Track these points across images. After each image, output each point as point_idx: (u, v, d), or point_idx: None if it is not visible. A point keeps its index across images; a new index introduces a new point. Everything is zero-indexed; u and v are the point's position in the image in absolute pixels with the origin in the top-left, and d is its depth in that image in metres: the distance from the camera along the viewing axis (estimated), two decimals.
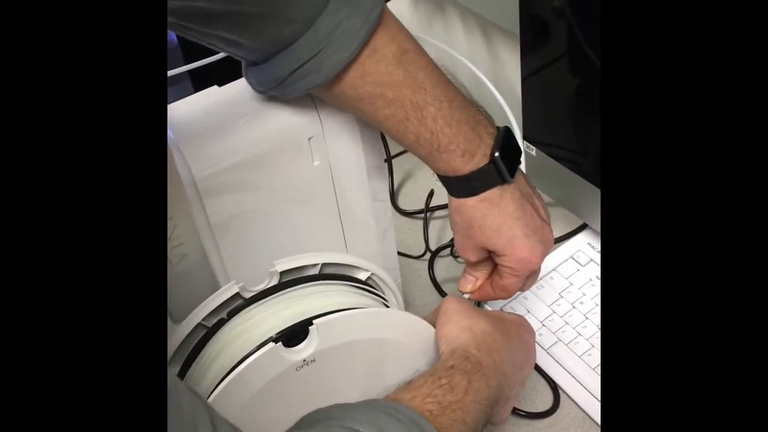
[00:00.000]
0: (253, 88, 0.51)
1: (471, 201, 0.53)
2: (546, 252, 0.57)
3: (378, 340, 0.49)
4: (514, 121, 0.82)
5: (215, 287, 0.51)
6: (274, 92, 0.50)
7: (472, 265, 0.59)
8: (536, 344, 0.59)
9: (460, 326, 0.52)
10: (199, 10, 0.45)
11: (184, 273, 0.50)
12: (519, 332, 0.56)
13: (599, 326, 0.67)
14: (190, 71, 0.60)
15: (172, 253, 0.49)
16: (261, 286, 0.51)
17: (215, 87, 0.50)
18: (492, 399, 0.49)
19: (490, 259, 0.58)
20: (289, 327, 0.47)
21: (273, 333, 0.47)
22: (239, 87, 0.50)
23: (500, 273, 0.57)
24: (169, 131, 0.46)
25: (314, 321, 0.47)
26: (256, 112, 0.49)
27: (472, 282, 0.59)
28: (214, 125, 0.48)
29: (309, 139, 0.51)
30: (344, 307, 0.49)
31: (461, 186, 0.53)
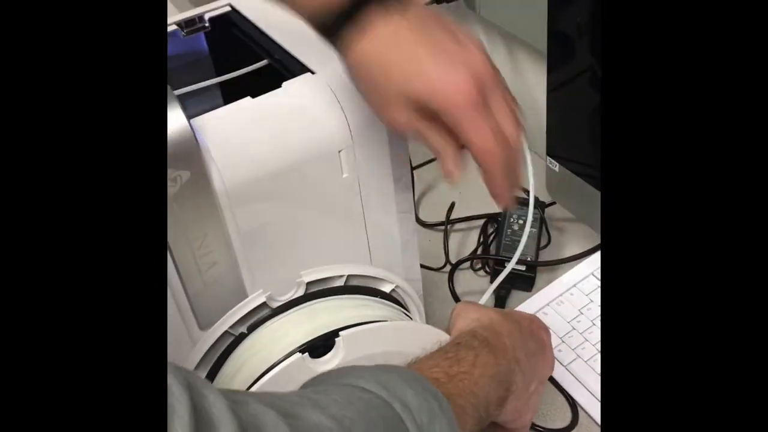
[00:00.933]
0: None
1: (361, 46, 0.44)
2: (476, 77, 0.43)
3: (403, 354, 0.49)
4: (536, 137, 0.82)
5: (242, 296, 0.52)
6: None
7: (422, 131, 0.46)
8: (555, 360, 0.59)
9: (469, 318, 0.51)
10: None
11: (213, 281, 0.51)
12: (531, 327, 0.55)
13: None
14: (220, 83, 0.61)
15: (201, 261, 0.50)
16: (287, 296, 0.52)
17: (248, 99, 0.51)
18: (503, 377, 0.48)
19: (433, 118, 0.45)
20: (315, 338, 0.48)
21: (299, 344, 0.48)
22: (272, 99, 0.51)
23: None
24: (203, 140, 0.46)
25: (340, 333, 0.47)
26: (288, 125, 0.50)
27: (451, 157, 0.46)
28: (246, 136, 0.49)
29: (339, 152, 0.51)
30: (369, 320, 0.50)
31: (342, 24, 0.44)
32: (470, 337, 0.48)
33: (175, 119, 0.45)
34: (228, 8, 0.62)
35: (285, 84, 0.52)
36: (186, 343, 0.52)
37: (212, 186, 0.47)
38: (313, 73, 0.52)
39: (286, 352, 0.47)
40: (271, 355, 0.47)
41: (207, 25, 0.61)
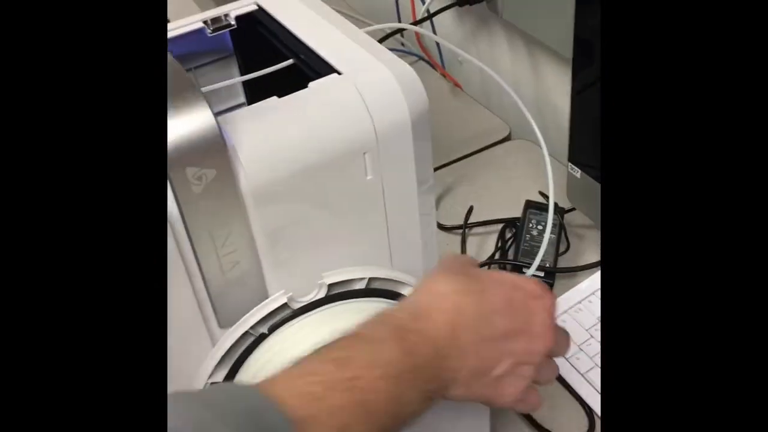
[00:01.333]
0: None
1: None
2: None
3: None
4: (556, 142, 0.82)
5: (264, 296, 0.52)
6: None
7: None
8: (573, 367, 0.58)
9: (419, 289, 0.46)
10: None
11: (235, 280, 0.51)
12: (512, 295, 0.46)
13: None
14: (244, 81, 0.61)
15: (224, 260, 0.50)
16: (308, 297, 0.52)
17: (275, 98, 0.50)
18: (426, 373, 0.41)
19: None
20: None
21: (320, 346, 0.48)
22: (298, 99, 0.51)
23: None
24: (229, 138, 0.46)
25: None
26: (314, 125, 0.50)
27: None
28: (272, 135, 0.49)
29: (364, 153, 0.51)
30: None
31: None
32: (378, 324, 0.42)
33: (202, 117, 0.45)
34: (254, 6, 0.61)
35: (311, 84, 0.51)
36: (205, 341, 0.52)
37: (237, 185, 0.47)
38: (339, 73, 0.52)
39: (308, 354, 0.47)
40: (292, 357, 0.47)
41: (233, 23, 0.61)
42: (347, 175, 0.52)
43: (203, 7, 0.95)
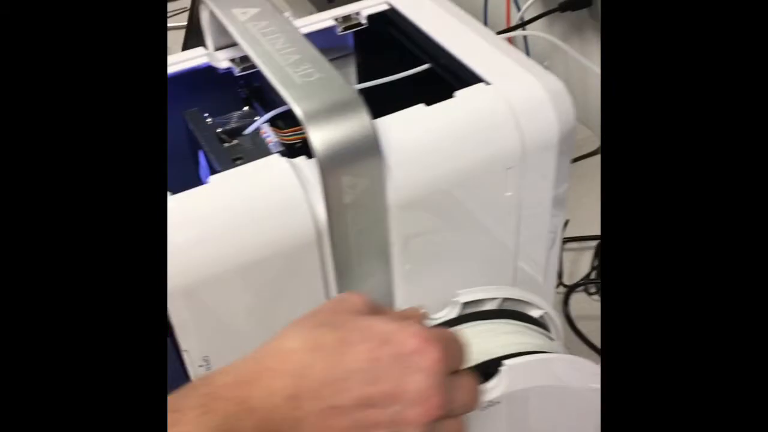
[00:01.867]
0: None
1: None
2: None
3: (566, 389, 0.47)
4: None
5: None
6: None
7: None
8: None
9: (263, 345, 0.37)
10: None
11: (367, 293, 0.49)
12: (386, 354, 0.36)
13: None
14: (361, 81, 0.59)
15: (360, 273, 0.48)
16: (441, 315, 0.50)
17: (422, 106, 0.48)
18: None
19: None
20: (478, 364, 0.46)
21: None
22: (446, 108, 0.49)
23: None
24: (381, 147, 0.44)
25: (504, 362, 0.45)
26: (461, 137, 0.48)
27: None
28: (421, 145, 0.47)
29: (508, 169, 0.49)
30: (530, 349, 0.47)
31: None
32: (187, 390, 0.34)
33: (361, 123, 0.43)
34: (385, 5, 0.59)
35: (457, 93, 0.49)
36: None
37: (385, 196, 0.45)
38: (487, 83, 0.50)
39: None
40: None
41: (363, 21, 0.59)
42: (487, 189, 0.50)
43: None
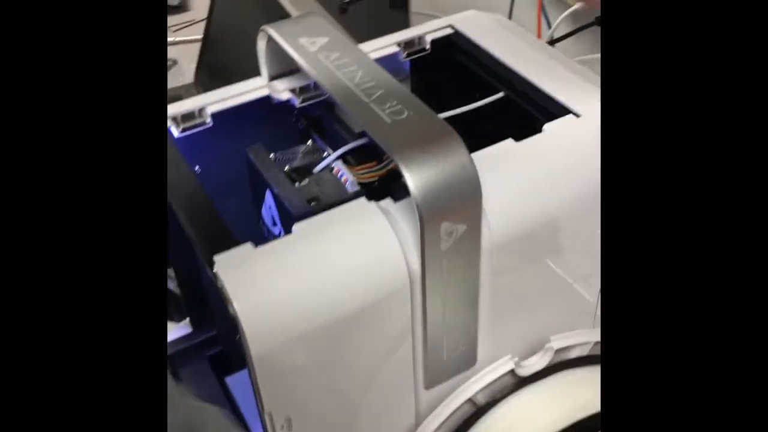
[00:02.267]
0: None
1: None
2: None
3: None
4: None
5: (472, 359, 0.47)
6: None
7: None
8: None
9: None
10: None
11: (452, 337, 0.45)
12: None
13: None
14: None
15: (448, 318, 0.44)
16: (532, 362, 0.47)
17: (511, 141, 0.45)
18: None
19: None
20: (578, 422, 0.42)
21: (565, 423, 0.42)
22: (536, 144, 0.45)
23: None
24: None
25: None
26: (555, 174, 0.45)
27: None
28: (516, 185, 0.43)
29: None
30: None
31: None
32: None
33: (462, 163, 0.39)
34: (450, 30, 0.56)
35: (547, 126, 0.46)
36: (409, 399, 0.47)
37: (479, 240, 0.42)
38: (577, 115, 0.47)
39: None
40: None
41: (427, 47, 0.55)
42: (579, 228, 0.46)
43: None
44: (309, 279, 0.39)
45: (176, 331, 0.56)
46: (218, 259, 0.38)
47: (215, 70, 1.13)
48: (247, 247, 0.39)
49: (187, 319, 0.57)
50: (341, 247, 0.40)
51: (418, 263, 0.40)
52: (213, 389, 0.54)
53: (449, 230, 0.40)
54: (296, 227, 0.40)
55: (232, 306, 0.37)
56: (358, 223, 0.40)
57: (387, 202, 0.42)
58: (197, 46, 1.15)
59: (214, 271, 0.38)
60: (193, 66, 1.17)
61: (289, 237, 0.40)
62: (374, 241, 0.40)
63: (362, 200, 0.42)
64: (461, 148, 0.39)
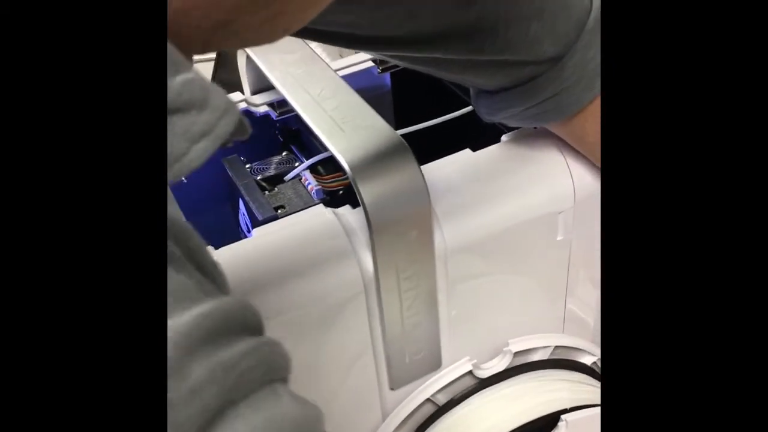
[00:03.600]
0: (482, 116, 0.48)
1: None
2: None
3: None
4: None
5: (437, 362, 0.48)
6: (505, 121, 0.47)
7: None
8: None
9: None
10: (433, 59, 0.42)
11: (413, 340, 0.47)
12: None
13: None
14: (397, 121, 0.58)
15: (407, 322, 0.46)
16: (492, 365, 0.48)
17: (468, 151, 0.47)
18: None
19: None
20: (535, 419, 0.44)
21: (517, 423, 0.44)
22: (493, 153, 0.47)
23: None
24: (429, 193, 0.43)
25: (563, 416, 0.43)
26: (509, 183, 0.46)
27: None
28: (469, 193, 0.45)
29: (559, 213, 0.47)
30: (586, 403, 0.45)
31: None
32: None
33: (409, 171, 0.41)
34: None
35: (504, 137, 0.48)
36: (374, 400, 0.49)
37: (433, 244, 0.44)
38: (536, 127, 0.49)
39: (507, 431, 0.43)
40: None
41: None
42: (537, 235, 0.48)
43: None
44: (264, 279, 0.41)
45: None
46: None
47: (228, 85, 1.17)
48: (209, 249, 0.42)
49: None
50: (296, 250, 0.42)
51: (371, 266, 0.42)
52: None
53: (400, 237, 0.42)
54: (255, 231, 0.42)
55: None
56: (312, 228, 0.43)
57: (345, 209, 0.44)
58: (211, 64, 1.19)
59: None
60: None
61: (247, 239, 0.42)
62: (328, 244, 0.42)
63: (320, 207, 0.44)
64: (410, 158, 0.41)
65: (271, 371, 0.24)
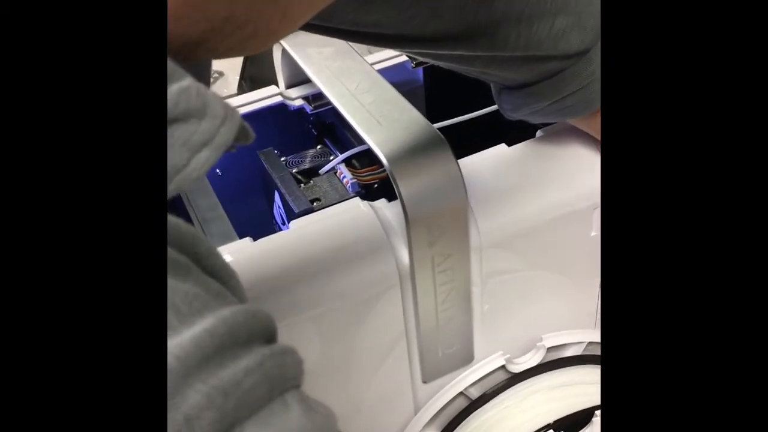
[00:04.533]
0: (504, 113, 0.48)
1: None
2: None
3: None
4: None
5: (469, 356, 0.48)
6: (528, 118, 0.47)
7: None
8: None
9: None
10: (458, 56, 0.43)
11: (447, 335, 0.47)
12: None
13: None
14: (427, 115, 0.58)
15: (441, 316, 0.46)
16: (525, 359, 0.48)
17: (503, 146, 0.47)
18: None
19: None
20: (570, 414, 0.44)
21: (550, 419, 0.44)
22: (528, 148, 0.47)
23: None
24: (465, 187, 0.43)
25: (596, 412, 0.43)
26: (544, 177, 0.46)
27: None
28: (505, 188, 0.45)
29: (594, 209, 0.47)
30: None
31: None
32: None
33: (446, 165, 0.41)
34: None
35: (539, 132, 0.48)
36: (407, 393, 0.49)
37: (469, 238, 0.44)
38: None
39: (537, 428, 0.43)
40: (519, 428, 0.44)
41: None
42: (572, 230, 0.48)
43: None
44: (301, 271, 0.41)
45: None
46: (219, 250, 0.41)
47: (257, 80, 1.18)
48: (246, 241, 0.42)
49: None
50: (332, 243, 0.42)
51: (407, 260, 0.43)
52: None
53: (436, 230, 0.42)
54: (292, 223, 0.43)
55: None
56: (349, 221, 0.43)
57: (381, 202, 0.45)
58: (240, 60, 1.20)
59: None
60: (237, 78, 1.22)
61: (285, 231, 0.42)
62: (364, 237, 0.42)
63: (356, 200, 0.44)
64: (447, 152, 0.42)
65: (280, 383, 0.23)
